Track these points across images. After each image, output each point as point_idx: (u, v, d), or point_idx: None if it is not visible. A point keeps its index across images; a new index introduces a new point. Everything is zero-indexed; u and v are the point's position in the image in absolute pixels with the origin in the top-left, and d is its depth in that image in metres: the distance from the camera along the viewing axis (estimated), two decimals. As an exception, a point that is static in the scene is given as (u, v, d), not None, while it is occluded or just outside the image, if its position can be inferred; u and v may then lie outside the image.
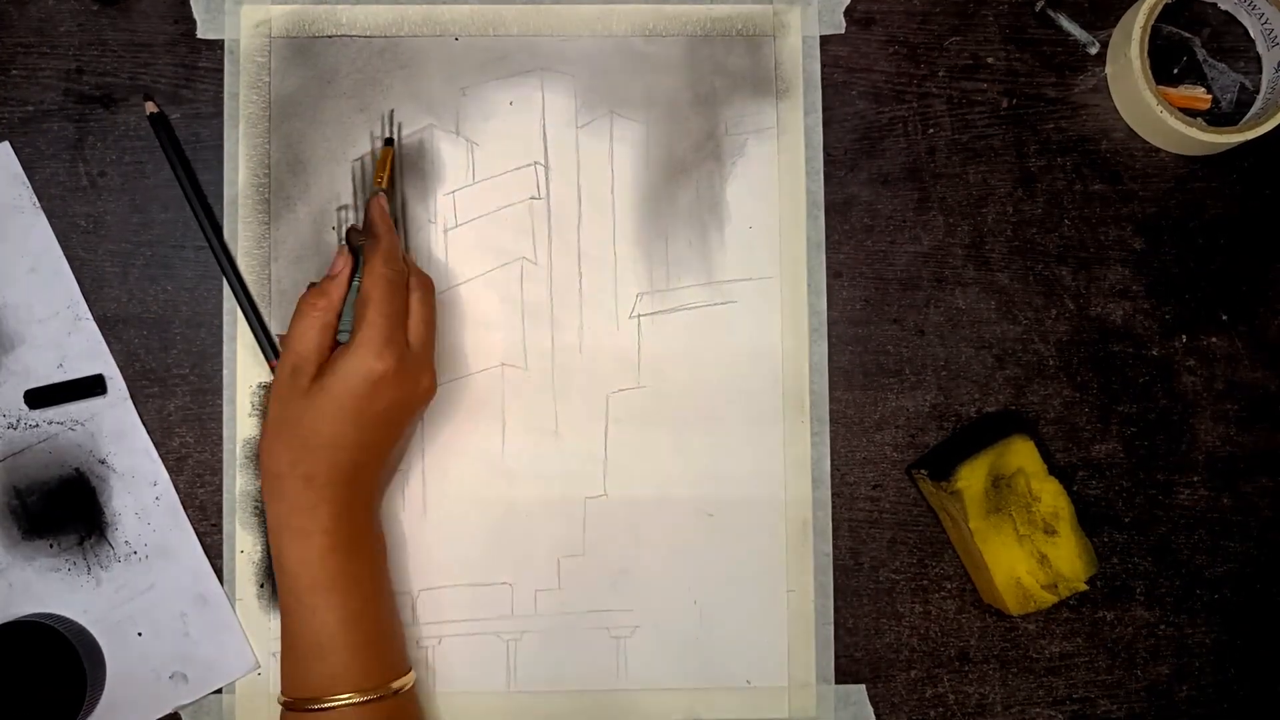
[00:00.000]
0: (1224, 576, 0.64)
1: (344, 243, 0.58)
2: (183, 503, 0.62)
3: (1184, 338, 0.64)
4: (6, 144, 0.62)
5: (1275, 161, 0.64)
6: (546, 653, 0.62)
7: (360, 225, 0.59)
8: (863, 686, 0.63)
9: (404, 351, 0.55)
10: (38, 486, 0.62)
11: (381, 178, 0.60)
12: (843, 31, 0.64)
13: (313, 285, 0.57)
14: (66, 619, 0.61)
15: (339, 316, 0.56)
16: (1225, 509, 0.64)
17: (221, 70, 0.63)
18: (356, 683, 0.54)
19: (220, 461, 0.62)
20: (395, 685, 0.55)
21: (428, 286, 0.57)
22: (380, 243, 0.56)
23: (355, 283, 0.57)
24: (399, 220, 0.63)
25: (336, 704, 0.53)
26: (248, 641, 0.62)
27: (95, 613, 0.61)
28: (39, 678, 0.58)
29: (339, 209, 0.63)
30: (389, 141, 0.62)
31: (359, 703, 0.54)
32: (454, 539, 0.62)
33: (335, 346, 0.56)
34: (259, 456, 0.56)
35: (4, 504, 0.61)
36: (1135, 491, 0.64)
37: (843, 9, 0.64)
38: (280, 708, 0.56)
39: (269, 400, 0.56)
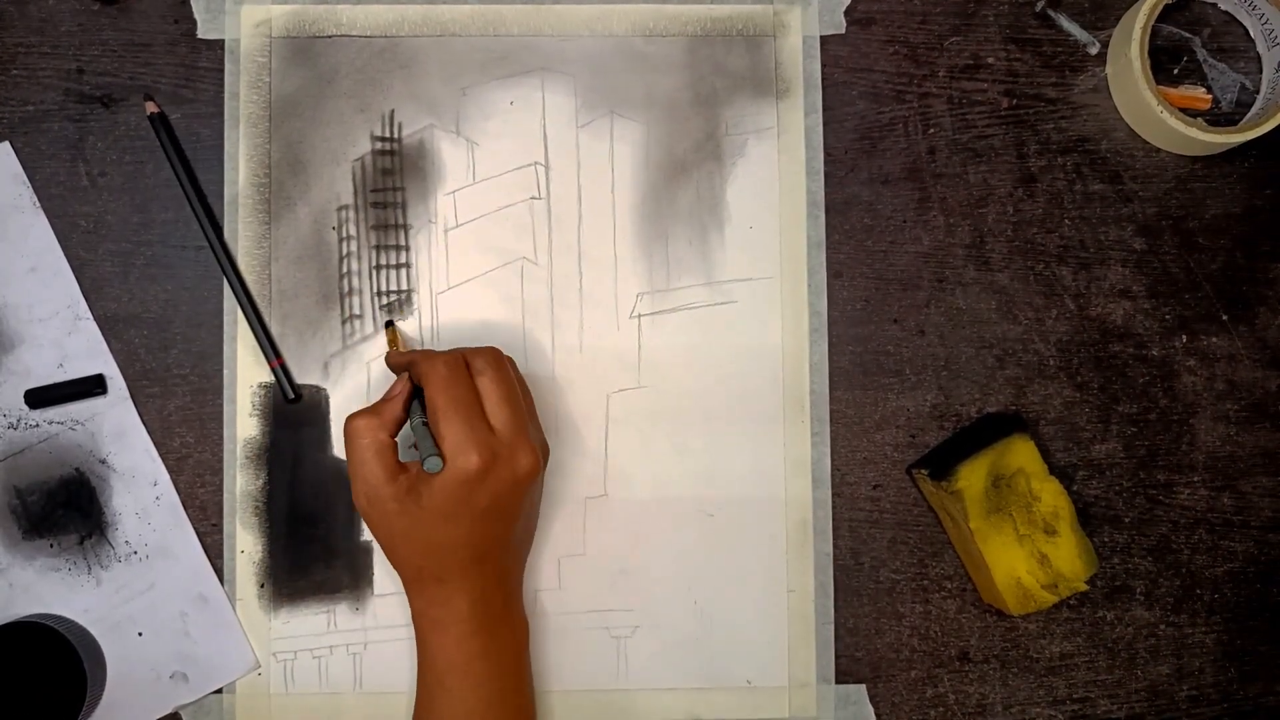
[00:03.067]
0: (1224, 576, 0.64)
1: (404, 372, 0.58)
2: (183, 502, 0.62)
3: (1184, 338, 0.64)
4: (7, 144, 0.62)
5: (1275, 161, 0.64)
6: (547, 652, 0.62)
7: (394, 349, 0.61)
8: (863, 686, 0.63)
9: (490, 440, 0.53)
10: (38, 486, 0.62)
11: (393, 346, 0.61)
12: (843, 31, 0.64)
13: (355, 414, 0.55)
14: (67, 619, 0.61)
15: (393, 435, 0.55)
16: (1225, 509, 0.64)
17: (222, 70, 0.63)
18: None
19: (220, 461, 0.62)
20: None
21: (495, 362, 0.55)
22: (417, 357, 0.56)
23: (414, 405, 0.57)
24: (401, 223, 0.63)
25: None
26: (248, 641, 0.62)
27: (95, 613, 0.61)
28: (39, 678, 0.58)
29: (339, 209, 0.63)
30: (389, 324, 0.63)
31: None
32: (454, 539, 0.62)
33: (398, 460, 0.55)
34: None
35: (4, 504, 0.61)
36: (1135, 491, 0.64)
37: (843, 9, 0.64)
38: None
39: (365, 520, 0.56)
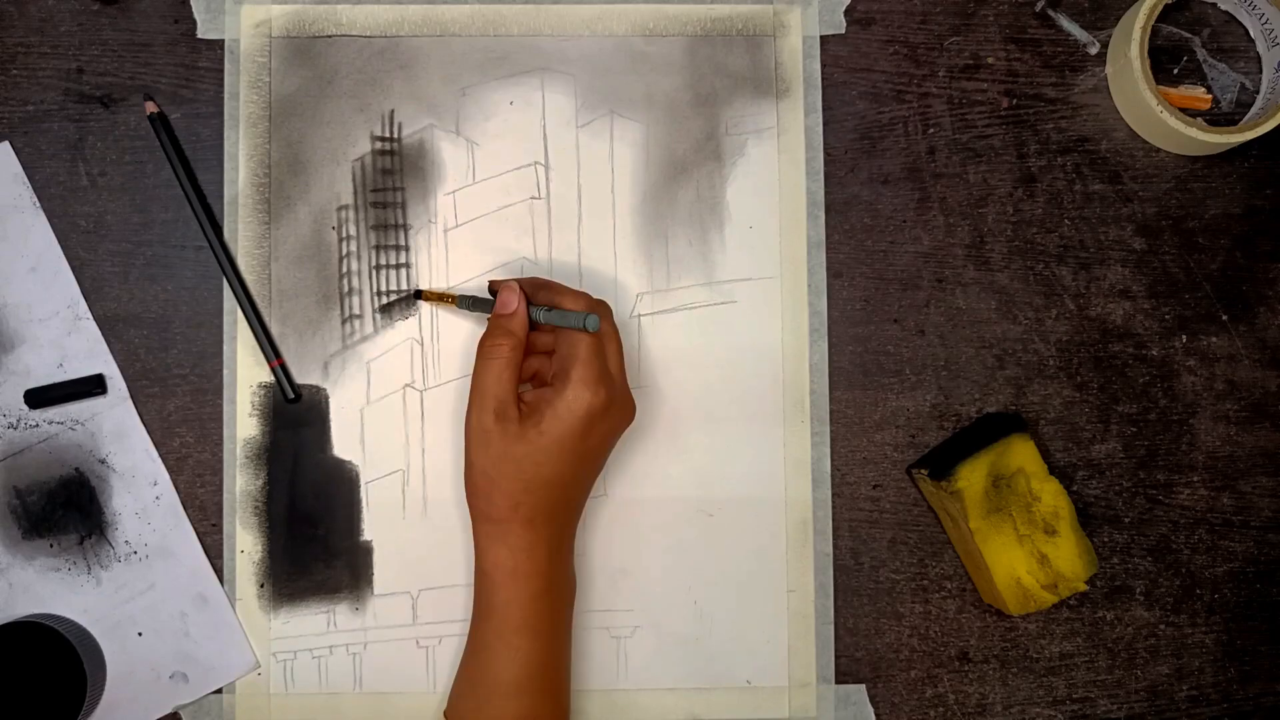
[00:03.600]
0: (1224, 576, 0.64)
1: (490, 293, 0.59)
2: (183, 502, 0.62)
3: (1184, 338, 0.64)
4: (7, 144, 0.62)
5: (1275, 161, 0.64)
6: (547, 653, 0.62)
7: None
8: (863, 686, 0.63)
9: (611, 381, 0.55)
10: (38, 486, 0.62)
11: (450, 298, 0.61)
12: (843, 31, 0.64)
13: (488, 333, 0.56)
14: (66, 619, 0.61)
15: (522, 353, 0.56)
16: (1225, 509, 0.64)
17: (222, 70, 0.63)
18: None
19: (220, 461, 0.62)
20: None
21: (607, 313, 0.58)
22: (556, 287, 0.57)
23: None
24: (400, 223, 0.63)
25: None
26: (248, 641, 0.62)
27: (95, 613, 0.61)
28: (39, 678, 0.58)
29: (339, 209, 0.63)
30: (419, 294, 0.63)
31: None
32: (454, 539, 0.62)
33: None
34: (471, 502, 0.55)
35: (4, 504, 0.61)
36: (1135, 491, 0.64)
37: (843, 9, 0.64)
38: None
39: (468, 449, 0.55)
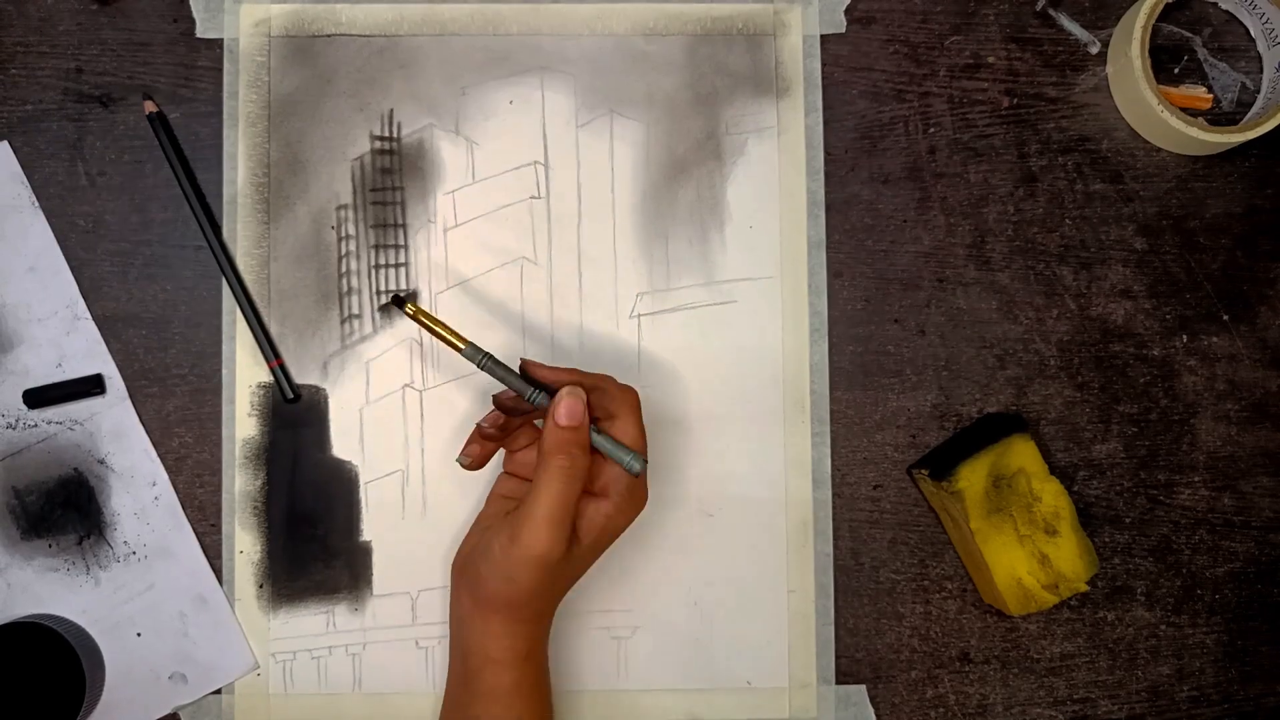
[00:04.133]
0: (1224, 576, 0.64)
1: (531, 399, 0.53)
2: (182, 503, 0.62)
3: (1184, 338, 0.64)
4: (5, 143, 0.62)
5: (1276, 161, 0.64)
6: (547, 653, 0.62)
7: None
8: (863, 687, 0.63)
9: (644, 484, 0.55)
10: (36, 486, 0.62)
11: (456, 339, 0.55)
12: (843, 31, 0.64)
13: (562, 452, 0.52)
14: (65, 620, 0.61)
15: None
16: (1226, 509, 0.64)
17: (221, 69, 0.63)
18: None
19: (219, 461, 0.62)
20: None
21: (634, 401, 0.54)
22: (596, 380, 0.54)
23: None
24: (400, 222, 0.63)
25: None
26: (247, 642, 0.61)
27: (94, 613, 0.61)
28: (38, 679, 0.58)
29: (338, 208, 0.63)
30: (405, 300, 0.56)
31: None
32: (454, 539, 0.62)
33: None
34: (476, 595, 0.53)
35: (3, 504, 0.61)
36: (1136, 491, 0.64)
37: (843, 8, 0.64)
38: None
39: (517, 564, 0.51)
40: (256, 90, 0.63)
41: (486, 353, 0.54)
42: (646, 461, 0.53)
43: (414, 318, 0.54)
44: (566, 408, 0.51)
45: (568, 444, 0.51)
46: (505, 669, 0.53)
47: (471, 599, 0.54)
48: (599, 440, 0.53)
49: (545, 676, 0.56)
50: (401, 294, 0.59)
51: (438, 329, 0.54)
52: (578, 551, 0.52)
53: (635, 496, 0.54)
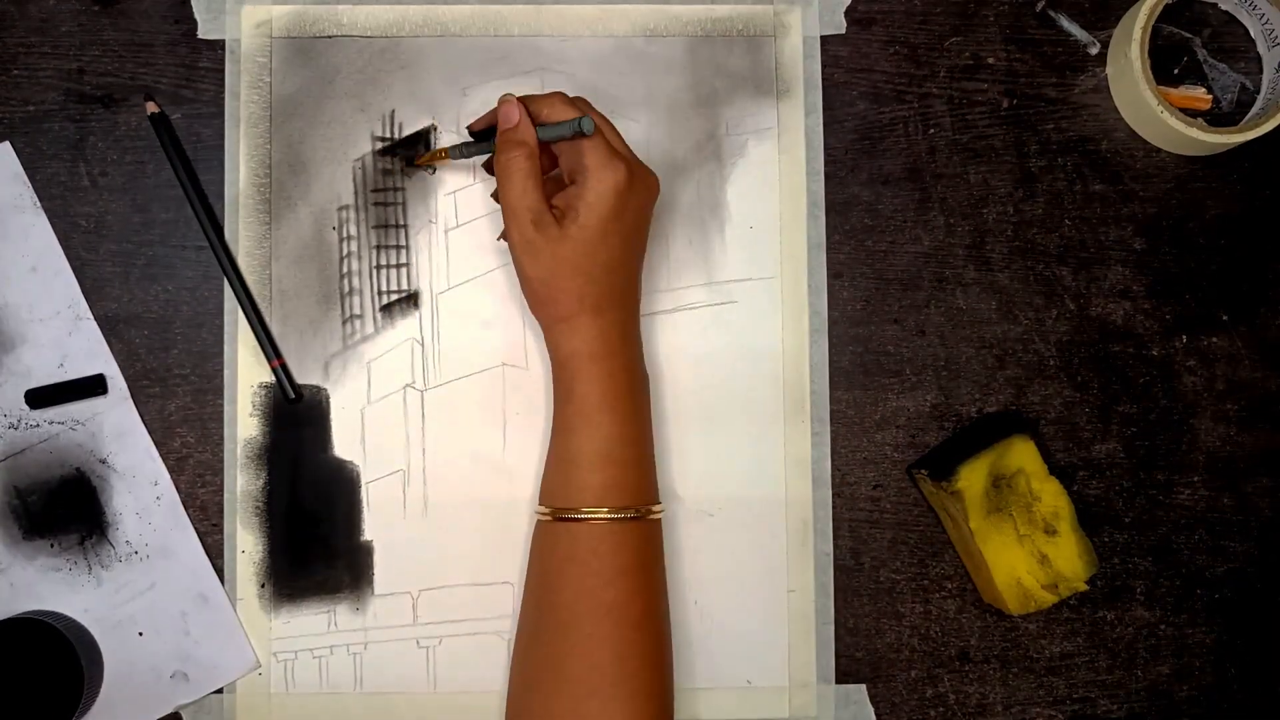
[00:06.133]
0: (1224, 576, 0.64)
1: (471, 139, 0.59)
2: (183, 502, 0.62)
3: (1184, 338, 0.64)
4: (7, 144, 0.62)
5: (1275, 161, 0.64)
6: (547, 652, 0.62)
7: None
8: (863, 686, 0.63)
9: (626, 154, 0.57)
10: (39, 486, 0.62)
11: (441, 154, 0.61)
12: (843, 32, 0.64)
13: (501, 149, 0.57)
14: (63, 615, 0.61)
15: (538, 161, 0.56)
16: (1225, 509, 0.64)
17: (222, 70, 0.63)
18: (626, 496, 0.55)
19: (221, 461, 0.62)
20: (655, 509, 0.57)
21: (588, 106, 0.58)
22: (535, 97, 0.57)
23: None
24: (401, 223, 0.63)
25: (602, 516, 0.55)
26: (248, 641, 0.62)
27: (96, 612, 0.61)
28: (35, 674, 0.58)
29: (340, 209, 0.63)
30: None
31: (626, 517, 0.55)
32: (455, 539, 0.62)
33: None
34: (536, 311, 0.57)
35: (5, 504, 0.61)
36: (1135, 491, 0.64)
37: (843, 9, 0.64)
38: (542, 520, 0.57)
39: (520, 264, 0.56)
40: (258, 91, 0.63)
41: (462, 143, 0.61)
42: (590, 111, 0.57)
43: (426, 163, 0.62)
44: (502, 112, 0.57)
45: (509, 143, 0.56)
46: (575, 372, 0.56)
47: (535, 314, 0.58)
48: (544, 132, 0.56)
49: (632, 374, 0.57)
50: (409, 158, 0.63)
51: (441, 158, 0.61)
52: (574, 230, 0.54)
53: (610, 163, 0.55)
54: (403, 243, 0.63)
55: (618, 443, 0.56)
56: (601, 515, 0.55)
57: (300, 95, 0.63)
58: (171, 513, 0.62)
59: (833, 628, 0.63)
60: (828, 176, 0.64)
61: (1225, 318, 0.64)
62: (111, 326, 0.62)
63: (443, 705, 0.62)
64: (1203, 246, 0.64)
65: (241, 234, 0.63)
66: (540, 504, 0.57)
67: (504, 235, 0.56)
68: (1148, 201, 0.64)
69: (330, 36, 0.64)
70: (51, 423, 0.62)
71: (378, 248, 0.63)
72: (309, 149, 0.63)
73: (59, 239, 0.62)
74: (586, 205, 0.54)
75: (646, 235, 0.59)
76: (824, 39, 0.64)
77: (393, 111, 0.63)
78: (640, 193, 0.56)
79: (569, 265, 0.55)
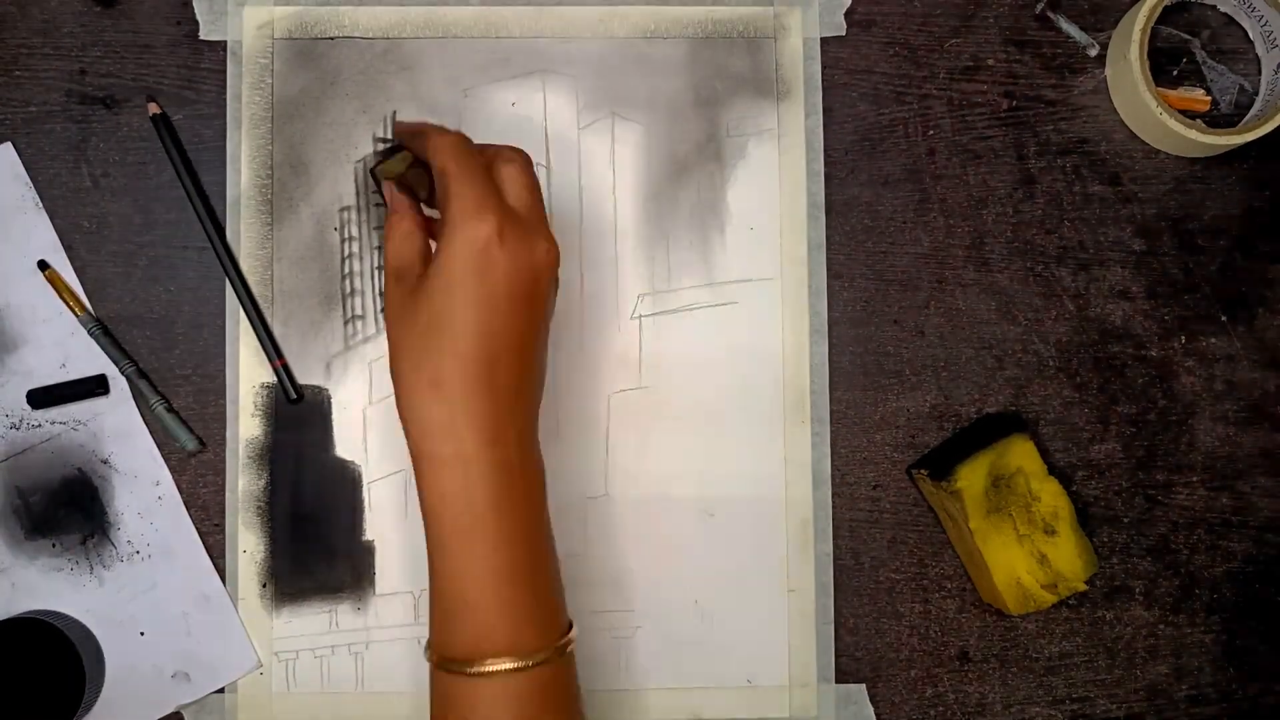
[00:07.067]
0: (1223, 576, 0.64)
1: (374, 178, 0.52)
2: (185, 502, 0.62)
3: (1183, 338, 0.64)
4: (9, 145, 0.63)
5: (1274, 163, 0.65)
6: (548, 652, 0.62)
7: (380, 152, 0.55)
8: (863, 686, 0.63)
9: (506, 210, 0.47)
10: (40, 486, 0.62)
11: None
12: (843, 33, 0.65)
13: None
14: (64, 615, 0.61)
15: (422, 225, 0.51)
16: (1225, 509, 0.64)
17: (224, 71, 0.63)
18: (513, 643, 0.46)
19: (223, 461, 0.62)
20: (559, 644, 0.48)
21: (519, 155, 0.50)
22: (429, 128, 0.49)
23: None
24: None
25: (491, 669, 0.45)
26: (250, 641, 0.62)
27: (98, 612, 0.62)
28: (37, 674, 0.58)
29: (341, 210, 0.63)
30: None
31: (515, 668, 0.45)
32: (456, 539, 0.62)
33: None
34: (393, 386, 0.48)
35: (7, 504, 0.62)
36: (1135, 491, 0.64)
37: (843, 11, 0.65)
38: (431, 668, 0.48)
39: (386, 321, 0.49)
40: (260, 92, 0.63)
41: (96, 319, 0.60)
42: (505, 158, 0.50)
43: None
44: (385, 193, 0.51)
45: (390, 210, 0.51)
46: (448, 461, 0.46)
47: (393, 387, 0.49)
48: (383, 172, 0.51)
49: (510, 475, 0.47)
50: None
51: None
52: (424, 291, 0.47)
53: (474, 214, 0.46)
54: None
55: (491, 577, 0.46)
56: (495, 668, 0.45)
57: (302, 96, 0.63)
58: (173, 513, 0.62)
59: (833, 627, 0.63)
60: (828, 178, 0.64)
61: (1224, 318, 0.64)
62: (113, 327, 0.62)
63: (444, 705, 0.62)
64: (1201, 247, 0.65)
65: (243, 235, 0.63)
66: (427, 647, 0.48)
67: None
68: (1147, 203, 0.65)
69: (332, 38, 0.64)
70: (53, 423, 0.62)
71: (379, 248, 0.63)
72: (311, 150, 0.63)
73: (61, 240, 0.62)
74: (440, 257, 0.46)
75: (533, 314, 0.48)
76: (824, 41, 0.64)
77: (394, 113, 0.64)
78: (513, 252, 0.46)
79: (408, 325, 0.47)
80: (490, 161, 0.49)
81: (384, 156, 0.52)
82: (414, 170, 0.51)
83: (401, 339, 0.48)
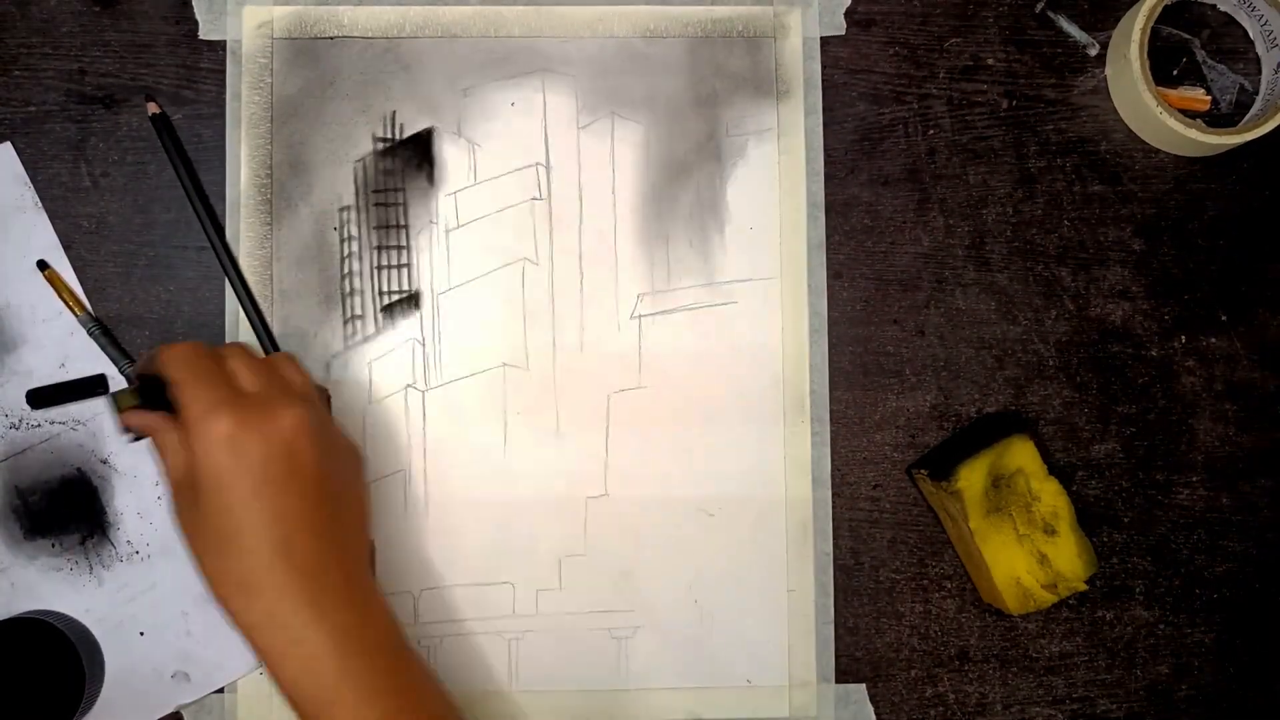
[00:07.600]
0: (1223, 576, 0.64)
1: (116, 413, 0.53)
2: (185, 502, 0.62)
3: (1183, 338, 0.64)
4: (9, 144, 0.63)
5: (1274, 162, 0.65)
6: (548, 653, 0.62)
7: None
8: (863, 686, 0.63)
9: (239, 398, 0.49)
10: (39, 486, 0.62)
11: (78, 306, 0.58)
12: (843, 33, 0.65)
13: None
14: (64, 615, 0.61)
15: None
16: (1224, 509, 0.64)
17: (223, 71, 0.63)
18: None
19: (222, 461, 0.62)
20: None
21: (241, 349, 0.53)
22: (159, 348, 0.52)
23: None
24: (402, 224, 0.63)
25: None
26: (249, 641, 0.62)
27: (97, 612, 0.62)
28: (36, 674, 0.58)
29: (341, 209, 0.63)
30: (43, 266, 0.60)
31: None
32: (455, 539, 0.62)
33: None
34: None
35: (6, 504, 0.62)
36: (1135, 491, 0.64)
37: (843, 10, 0.65)
38: None
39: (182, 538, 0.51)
40: (259, 92, 0.63)
41: (96, 319, 0.61)
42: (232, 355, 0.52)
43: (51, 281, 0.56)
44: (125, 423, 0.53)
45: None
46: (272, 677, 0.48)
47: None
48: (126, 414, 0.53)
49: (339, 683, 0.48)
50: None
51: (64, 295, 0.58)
52: (200, 504, 0.48)
53: (205, 416, 0.48)
54: (404, 243, 0.63)
55: None
56: None
57: (301, 96, 0.63)
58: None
59: (832, 627, 0.63)
60: (827, 177, 0.64)
61: (1224, 318, 0.64)
62: (113, 327, 0.62)
63: (443, 705, 0.62)
64: (1202, 247, 0.65)
65: (243, 234, 0.63)
66: None
67: None
68: (1147, 202, 0.65)
69: (331, 38, 0.64)
70: (52, 423, 0.62)
71: (379, 248, 0.63)
72: (310, 150, 0.63)
73: (60, 239, 0.62)
74: (196, 470, 0.48)
75: (313, 481, 0.49)
76: (824, 40, 0.64)
77: (394, 112, 0.64)
78: (263, 435, 0.48)
79: (211, 540, 0.48)
80: (221, 360, 0.51)
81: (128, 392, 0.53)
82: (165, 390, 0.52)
83: (198, 551, 0.49)
